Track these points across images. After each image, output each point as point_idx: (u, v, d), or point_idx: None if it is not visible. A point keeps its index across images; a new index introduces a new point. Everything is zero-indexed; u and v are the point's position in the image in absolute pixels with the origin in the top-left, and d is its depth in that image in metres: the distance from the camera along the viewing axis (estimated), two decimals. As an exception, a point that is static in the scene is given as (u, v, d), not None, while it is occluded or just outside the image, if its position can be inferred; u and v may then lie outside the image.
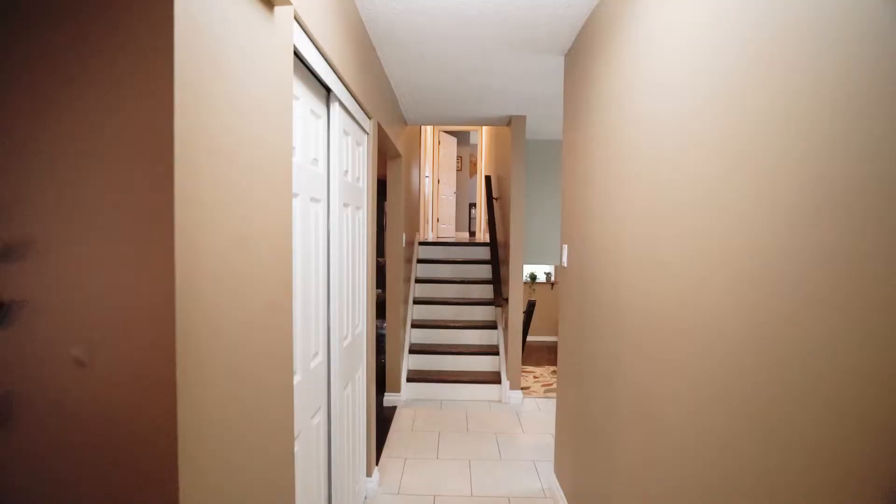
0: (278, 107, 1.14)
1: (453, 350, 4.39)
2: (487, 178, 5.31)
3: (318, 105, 1.71)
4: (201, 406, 0.79)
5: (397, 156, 3.86)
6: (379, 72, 2.69)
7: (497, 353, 4.37)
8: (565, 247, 2.49)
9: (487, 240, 5.83)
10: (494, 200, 5.22)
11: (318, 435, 1.76)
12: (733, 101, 1.02)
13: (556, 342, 11.62)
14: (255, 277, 1.02)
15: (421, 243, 5.47)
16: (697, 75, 1.17)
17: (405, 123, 4.25)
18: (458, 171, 10.11)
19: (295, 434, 1.49)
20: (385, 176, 4.07)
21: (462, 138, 10.16)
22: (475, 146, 11.19)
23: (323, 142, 1.78)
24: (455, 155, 9.42)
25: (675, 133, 1.28)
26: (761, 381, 0.91)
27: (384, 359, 4.23)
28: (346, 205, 2.03)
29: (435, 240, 6.53)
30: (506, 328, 4.29)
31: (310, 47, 1.45)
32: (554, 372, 6.96)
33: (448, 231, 8.90)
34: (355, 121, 2.18)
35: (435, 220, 8.50)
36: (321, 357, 1.78)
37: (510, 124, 4.13)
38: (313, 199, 1.66)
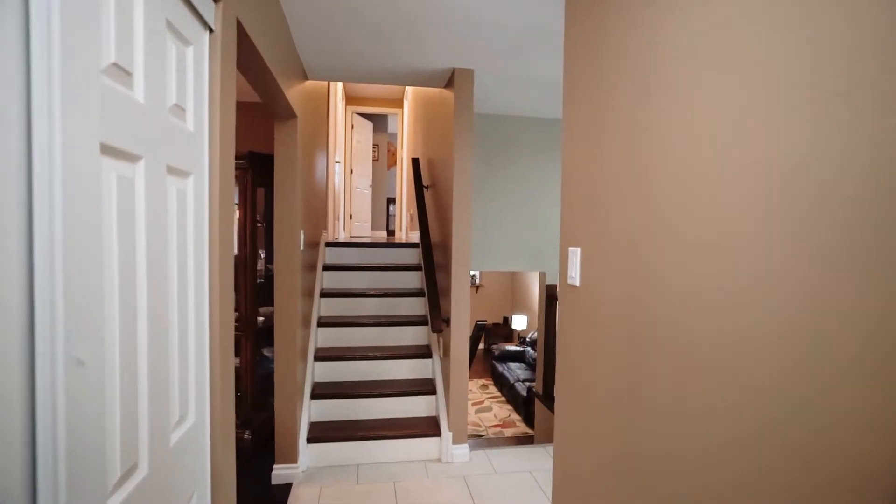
0: None
1: (374, 391, 3.22)
2: (415, 161, 4.20)
3: None
4: None
5: (291, 116, 2.62)
6: (242, -66, 1.47)
7: (434, 392, 3.27)
8: (575, 252, 1.46)
9: (414, 240, 4.73)
10: (425, 189, 4.12)
11: None
12: None
13: (480, 349, 10.66)
14: None
15: (329, 244, 4.22)
16: None
17: (304, 77, 3.02)
18: (374, 161, 8.89)
19: None
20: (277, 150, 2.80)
21: (379, 124, 8.95)
22: (394, 136, 10.05)
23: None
24: (371, 142, 8.21)
25: None
26: None
27: (272, 404, 2.94)
28: (127, 155, 0.81)
29: (348, 240, 5.30)
30: (445, 357, 3.21)
31: None
32: (484, 386, 6.00)
33: (363, 230, 7.67)
34: (164, -26, 0.96)
35: (348, 217, 7.24)
36: None
37: (451, 84, 3.05)
38: None
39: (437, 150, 3.75)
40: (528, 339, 8.82)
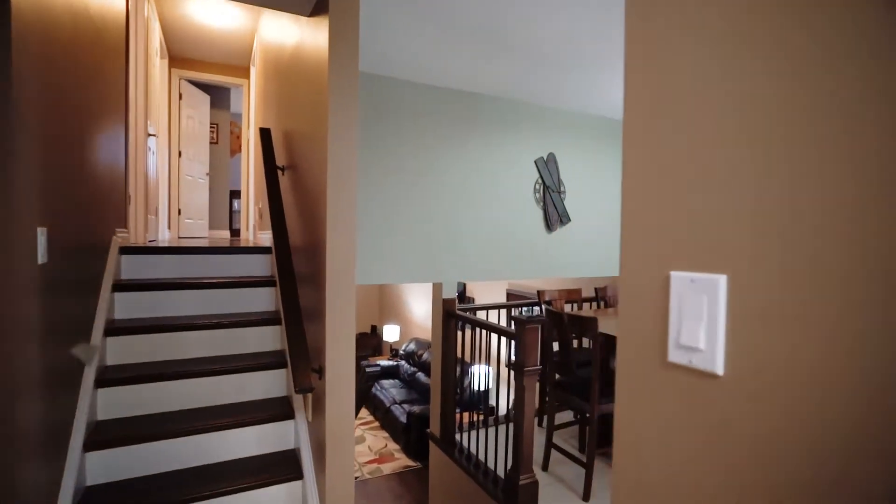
0: None
1: (201, 490, 2.00)
2: (265, 133, 3.01)
3: None
4: None
5: None
6: None
7: (299, 476, 2.16)
8: (708, 286, 0.57)
9: (266, 242, 3.50)
10: (280, 172, 2.96)
11: None
12: None
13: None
14: None
15: (126, 250, 2.80)
16: None
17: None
18: (212, 143, 7.18)
19: None
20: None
21: (220, 98, 7.26)
22: (239, 116, 8.37)
23: None
24: (208, 120, 6.57)
25: None
26: None
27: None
28: None
29: (172, 244, 3.81)
30: (317, 417, 2.14)
31: None
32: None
33: (199, 229, 6.06)
34: None
35: (175, 212, 5.58)
36: None
37: (323, 7, 2.00)
38: None
39: (298, 119, 2.63)
40: (401, 352, 7.94)
